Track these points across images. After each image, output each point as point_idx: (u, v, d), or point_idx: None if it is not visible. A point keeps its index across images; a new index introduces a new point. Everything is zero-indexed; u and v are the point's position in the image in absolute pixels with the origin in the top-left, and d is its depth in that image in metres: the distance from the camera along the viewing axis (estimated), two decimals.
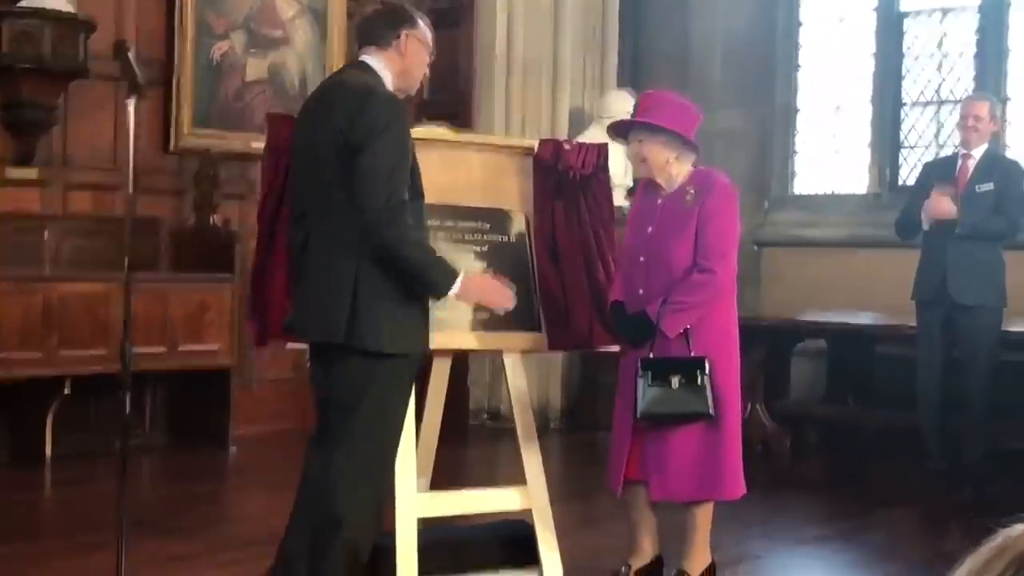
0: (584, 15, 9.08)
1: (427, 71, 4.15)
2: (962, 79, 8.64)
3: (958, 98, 8.20)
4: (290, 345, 4.65)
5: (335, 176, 3.81)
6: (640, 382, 4.38)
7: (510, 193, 4.81)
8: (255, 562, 4.89)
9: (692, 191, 4.47)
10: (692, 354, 4.38)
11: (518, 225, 4.78)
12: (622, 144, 4.77)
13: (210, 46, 8.00)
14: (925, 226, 6.43)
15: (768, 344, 7.72)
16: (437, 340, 4.28)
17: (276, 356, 7.63)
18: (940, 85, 8.78)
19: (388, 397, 3.92)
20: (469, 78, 8.98)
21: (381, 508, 4.05)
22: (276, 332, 4.53)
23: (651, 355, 4.40)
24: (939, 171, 6.65)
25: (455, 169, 4.52)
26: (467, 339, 4.70)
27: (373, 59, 3.98)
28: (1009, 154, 7.94)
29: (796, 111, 9.37)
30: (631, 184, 8.17)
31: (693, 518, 4.54)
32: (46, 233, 7.19)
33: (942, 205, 6.33)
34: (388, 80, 3.98)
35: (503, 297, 4.11)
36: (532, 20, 8.88)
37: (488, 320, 4.71)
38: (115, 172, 7.51)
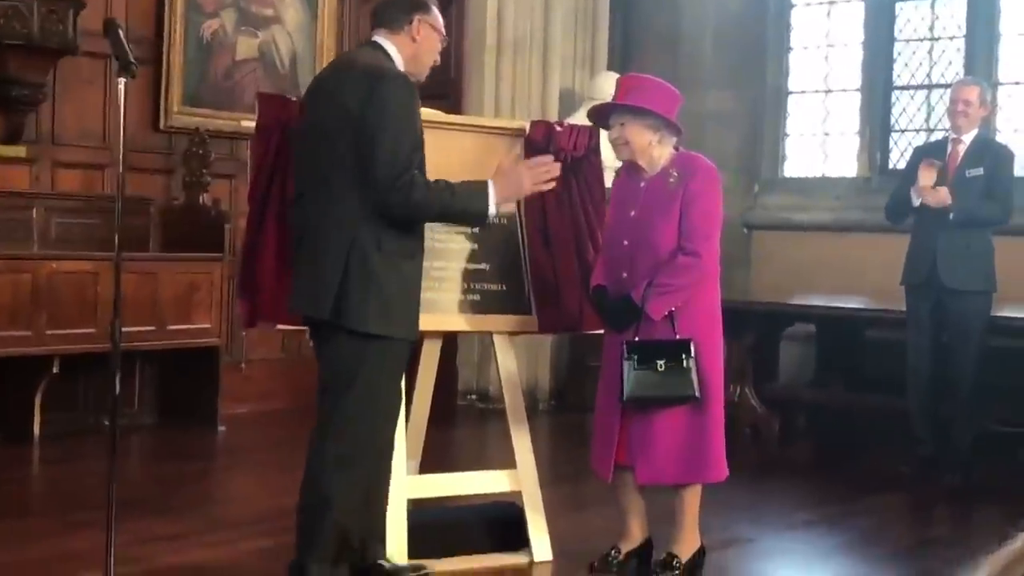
0: None
1: (438, 58, 4.17)
2: (953, 63, 8.64)
3: (949, 82, 8.19)
4: (279, 326, 4.66)
5: (338, 155, 3.83)
6: (626, 365, 4.38)
7: None
8: (244, 542, 4.91)
9: (675, 174, 4.46)
10: (677, 337, 4.38)
11: (509, 207, 4.76)
12: (603, 129, 4.73)
13: (200, 24, 7.95)
14: (916, 202, 6.42)
15: (757, 328, 7.72)
16: (427, 322, 4.29)
17: (266, 336, 7.63)
18: (931, 69, 8.77)
19: (378, 380, 3.92)
20: (459, 59, 8.95)
21: (373, 493, 4.04)
22: (266, 313, 4.53)
23: (636, 338, 4.40)
24: (929, 156, 6.64)
25: (446, 150, 4.50)
26: (457, 321, 4.71)
27: (385, 41, 4.01)
28: (999, 139, 7.96)
29: (787, 93, 9.36)
30: None
31: (681, 501, 4.55)
32: (34, 211, 7.15)
33: (939, 196, 6.32)
34: (399, 63, 4.00)
35: (543, 174, 4.04)
36: (522, 1, 8.84)
37: (478, 302, 4.72)
38: (104, 150, 7.50)
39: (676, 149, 4.56)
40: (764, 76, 9.30)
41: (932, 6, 8.78)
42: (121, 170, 3.82)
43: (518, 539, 4.72)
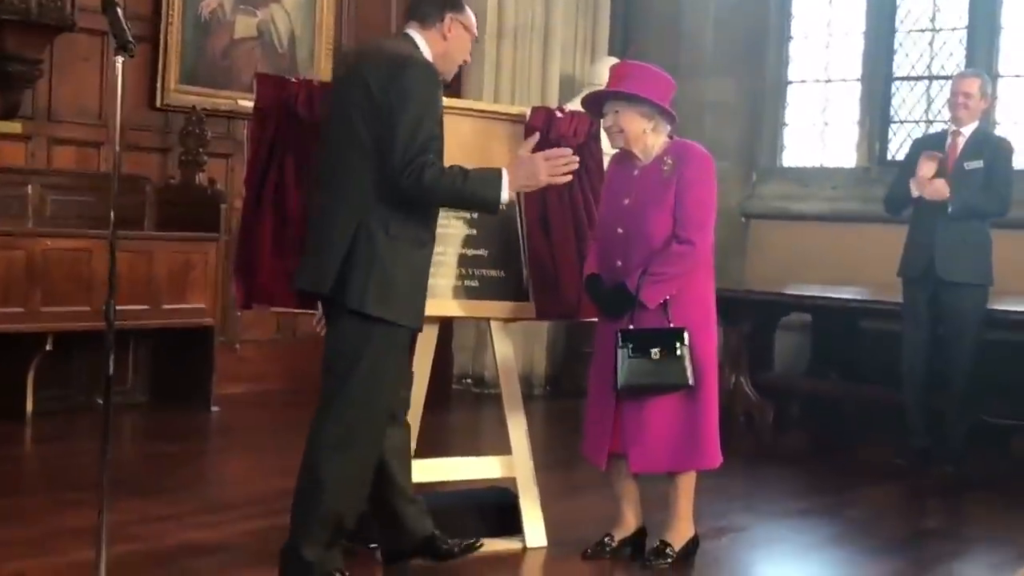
0: None
1: (468, 58, 4.19)
2: (954, 54, 8.62)
3: (950, 73, 8.18)
4: (274, 309, 4.65)
5: (356, 137, 3.85)
6: (620, 353, 4.38)
7: (500, 160, 4.75)
8: (235, 524, 4.90)
9: (669, 161, 4.45)
10: (671, 325, 4.37)
11: None
12: (598, 117, 4.70)
13: (198, 2, 7.90)
14: (915, 193, 6.41)
15: (753, 316, 7.70)
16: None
17: (260, 317, 7.60)
18: (932, 60, 8.75)
19: (380, 366, 3.91)
20: None
21: (368, 477, 4.03)
22: (261, 295, 4.52)
23: (631, 326, 4.39)
24: (928, 148, 6.62)
25: (446, 135, 4.47)
26: (454, 306, 4.70)
27: (417, 35, 4.03)
28: (999, 131, 7.94)
29: (787, 83, 9.33)
30: None
31: (675, 489, 4.55)
32: (29, 188, 7.11)
33: (937, 188, 6.31)
34: (428, 58, 4.00)
35: (561, 166, 4.00)
36: None
37: (476, 288, 4.70)
38: (100, 128, 7.46)
39: (670, 137, 4.54)
40: (764, 65, 9.28)
41: None
42: (117, 149, 3.80)
43: (512, 525, 4.71)
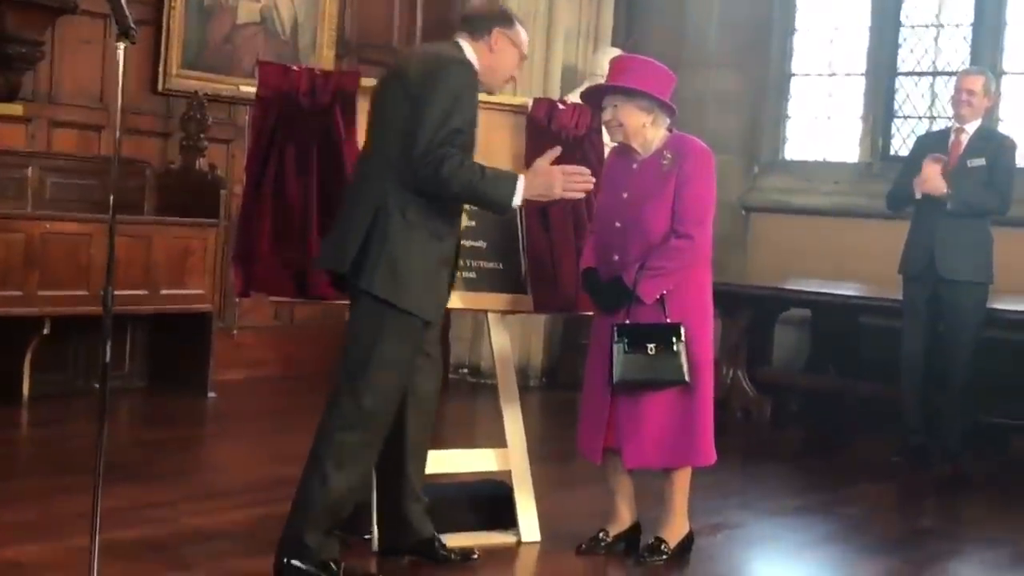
0: None
1: (516, 75, 4.30)
2: (959, 51, 8.60)
3: (954, 70, 8.16)
4: (272, 298, 4.64)
5: (389, 124, 3.94)
6: (616, 348, 4.37)
7: (501, 151, 4.77)
8: (231, 512, 4.89)
9: (669, 155, 4.44)
10: (668, 320, 4.36)
11: None
12: (597, 112, 4.69)
13: None
14: (918, 195, 6.40)
15: (753, 311, 7.71)
16: None
17: (258, 303, 7.58)
18: (937, 56, 8.73)
19: (391, 353, 3.94)
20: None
21: (372, 463, 4.07)
22: (259, 283, 4.51)
23: (627, 321, 4.38)
24: (932, 145, 6.62)
25: None
26: (452, 298, 4.66)
27: (465, 44, 4.11)
28: (1003, 127, 7.93)
29: (790, 76, 9.31)
30: None
31: (671, 485, 4.54)
32: (29, 170, 7.09)
33: (934, 181, 6.29)
34: (474, 65, 4.07)
35: (577, 183, 4.07)
36: None
37: (474, 280, 4.69)
38: (101, 111, 7.43)
39: (670, 130, 4.52)
40: (768, 57, 9.24)
41: None
42: (118, 135, 3.78)
43: (506, 518, 4.71)
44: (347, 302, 4.47)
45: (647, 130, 4.46)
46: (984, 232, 6.41)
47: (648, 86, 4.40)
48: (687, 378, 4.37)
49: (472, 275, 4.69)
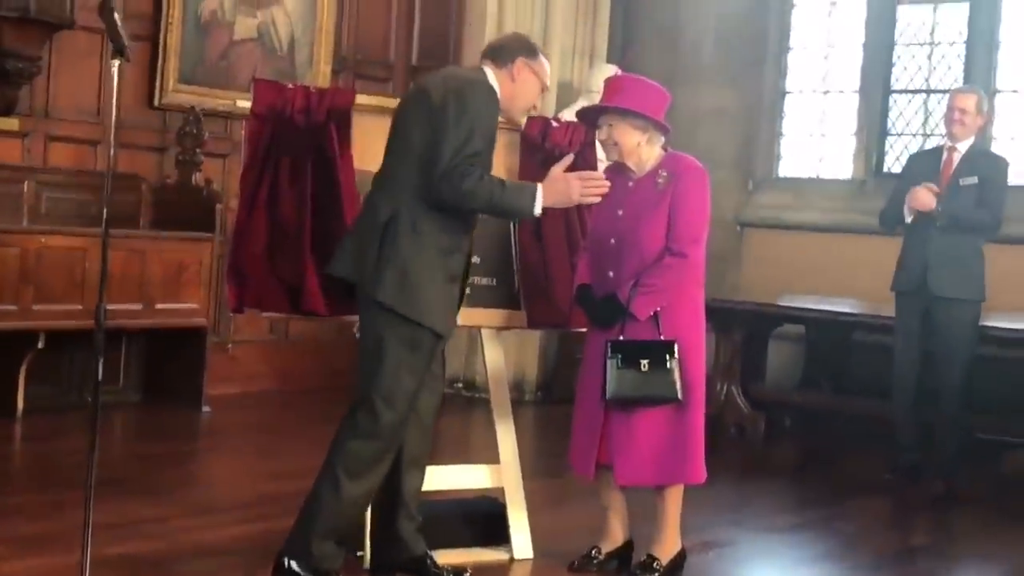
0: None
1: (537, 105, 4.38)
2: (952, 69, 8.63)
3: (947, 87, 8.18)
4: (265, 314, 4.65)
5: (408, 138, 4.02)
6: (610, 364, 4.39)
7: (496, 168, 4.75)
8: (223, 528, 4.89)
9: (664, 174, 4.46)
10: (661, 337, 4.38)
11: None
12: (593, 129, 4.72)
13: (199, 2, 7.90)
14: (908, 219, 6.41)
15: (747, 327, 7.72)
16: None
17: (253, 318, 7.58)
18: (930, 74, 8.76)
19: (400, 364, 3.99)
20: (458, 49, 8.92)
21: (382, 474, 4.11)
22: (253, 299, 4.53)
23: (621, 337, 4.40)
24: (924, 163, 6.63)
25: None
26: None
27: (489, 72, 4.18)
28: (996, 146, 7.95)
29: (785, 92, 9.34)
30: None
31: (663, 502, 4.54)
32: (26, 185, 7.11)
33: (922, 196, 6.31)
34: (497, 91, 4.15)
35: (592, 187, 4.16)
36: None
37: (468, 296, 4.69)
38: (98, 126, 7.44)
39: (665, 149, 4.55)
40: (762, 74, 9.28)
41: (933, 10, 8.79)
42: (112, 152, 3.80)
43: (499, 535, 4.71)
44: (340, 317, 4.51)
45: (642, 149, 4.48)
46: (976, 250, 6.41)
47: (642, 106, 4.43)
48: (679, 395, 4.38)
49: (466, 291, 4.69)
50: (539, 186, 4.06)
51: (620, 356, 4.38)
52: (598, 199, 4.22)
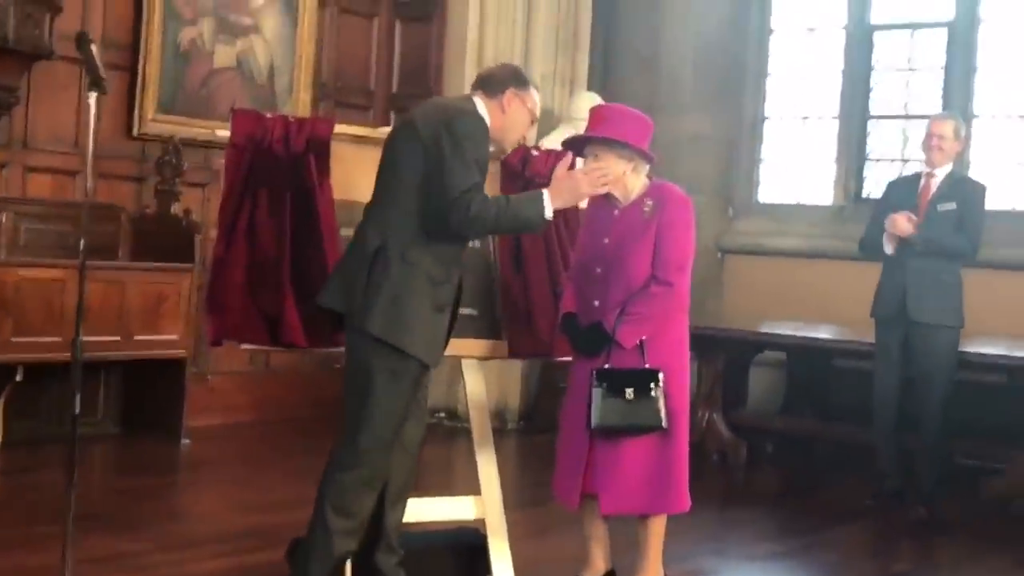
0: (556, 13, 9.03)
1: (526, 136, 4.40)
2: (930, 94, 8.68)
3: (926, 113, 8.22)
4: (244, 346, 4.62)
5: (397, 169, 4.03)
6: (595, 392, 4.38)
7: None
8: (205, 562, 4.86)
9: (650, 203, 4.46)
10: (647, 365, 4.37)
11: None
12: (579, 158, 4.72)
13: (178, 32, 7.90)
14: (888, 250, 6.42)
15: (728, 354, 7.72)
16: None
17: (232, 349, 7.54)
18: (908, 99, 8.81)
19: (386, 394, 3.98)
20: (439, 75, 8.93)
21: (370, 501, 4.09)
22: (232, 331, 4.50)
23: (607, 366, 4.39)
24: (902, 189, 6.66)
25: None
26: None
27: (479, 101, 4.19)
28: (973, 171, 7.99)
29: (764, 119, 9.37)
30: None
31: (646, 531, 4.53)
32: (4, 216, 7.08)
33: (900, 223, 6.32)
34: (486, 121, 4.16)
35: (599, 177, 4.17)
36: (504, 16, 8.82)
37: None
38: (77, 156, 7.41)
39: (649, 178, 4.55)
40: (742, 101, 9.31)
41: (911, 37, 8.83)
42: (89, 183, 3.80)
43: (481, 567, 4.68)
44: (322, 349, 4.49)
45: (628, 178, 4.48)
46: (954, 276, 6.43)
47: (627, 135, 4.43)
48: (664, 423, 4.37)
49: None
50: (545, 191, 4.07)
51: (605, 384, 4.38)
52: (607, 188, 4.25)
